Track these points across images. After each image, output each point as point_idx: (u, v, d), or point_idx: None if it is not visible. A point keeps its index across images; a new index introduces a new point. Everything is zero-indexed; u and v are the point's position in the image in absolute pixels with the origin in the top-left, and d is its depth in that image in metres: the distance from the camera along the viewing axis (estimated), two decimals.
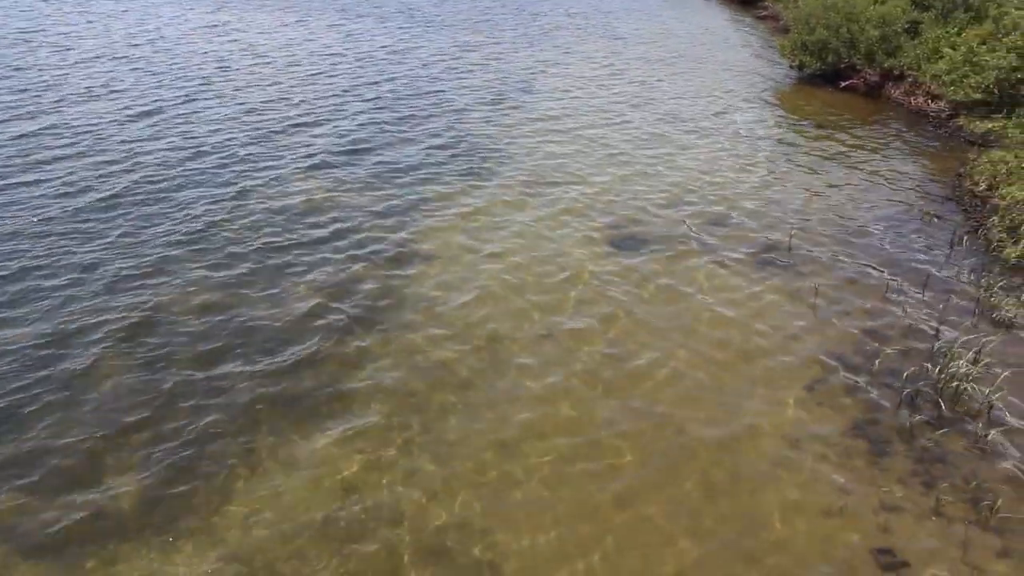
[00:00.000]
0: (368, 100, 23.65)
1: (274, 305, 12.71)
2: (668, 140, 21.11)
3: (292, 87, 24.53)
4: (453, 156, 19.44)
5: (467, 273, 13.98)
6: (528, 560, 8.46)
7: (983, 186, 17.66)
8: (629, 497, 9.28)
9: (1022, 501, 9.16)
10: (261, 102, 22.90)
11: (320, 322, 12.33)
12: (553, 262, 14.43)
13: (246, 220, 15.49)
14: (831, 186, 18.35)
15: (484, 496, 9.26)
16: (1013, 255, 14.48)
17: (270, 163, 18.43)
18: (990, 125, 20.89)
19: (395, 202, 16.69)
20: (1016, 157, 17.88)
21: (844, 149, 20.69)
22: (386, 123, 21.66)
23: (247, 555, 8.41)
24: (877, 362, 11.54)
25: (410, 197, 16.97)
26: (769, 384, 11.27)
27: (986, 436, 10.11)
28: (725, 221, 16.29)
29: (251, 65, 26.87)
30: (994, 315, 12.86)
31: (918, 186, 18.43)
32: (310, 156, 18.92)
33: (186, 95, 23.25)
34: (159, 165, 18.00)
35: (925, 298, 13.49)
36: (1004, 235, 15.25)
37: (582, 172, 18.58)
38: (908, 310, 13.10)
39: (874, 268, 14.50)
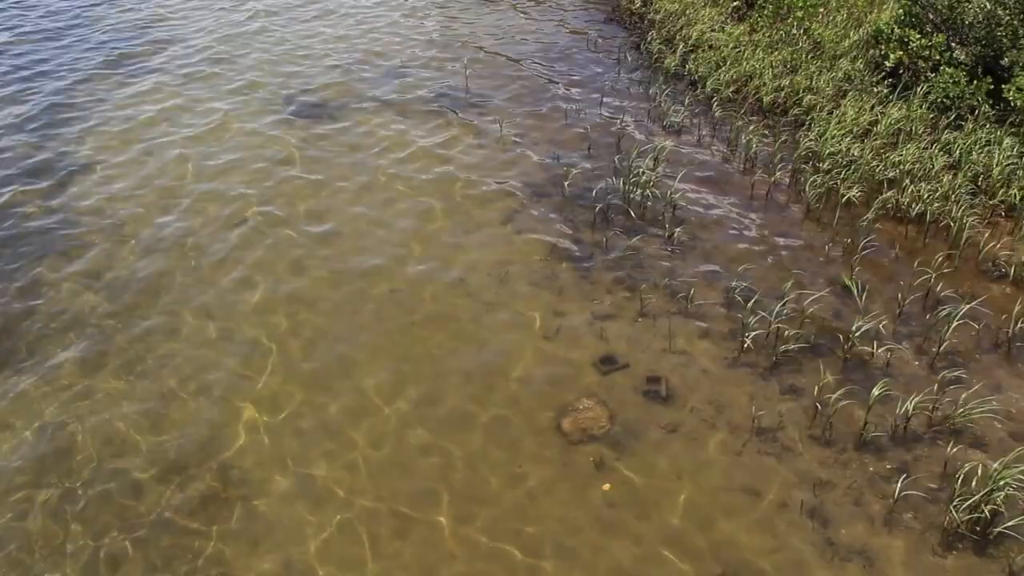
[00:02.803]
0: None
1: None
2: (327, 3, 20.22)
3: None
4: (105, 50, 17.07)
5: (144, 172, 12.72)
6: (252, 456, 8.13)
7: (638, 3, 18.81)
8: (350, 352, 9.17)
9: (710, 288, 10.23)
10: None
11: None
12: (235, 144, 13.52)
13: None
14: (498, 22, 18.60)
15: (201, 409, 8.67)
16: (672, 64, 15.67)
17: None
18: None
19: (44, 109, 14.57)
20: None
21: None
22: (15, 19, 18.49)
23: None
24: (567, 184, 12.12)
25: (63, 101, 14.88)
26: (469, 225, 11.46)
27: (672, 235, 11.07)
28: (400, 73, 16.00)
29: None
30: (664, 122, 13.97)
31: (580, 11, 19.22)
32: None
33: None
34: None
35: (602, 116, 14.31)
36: (662, 47, 16.45)
37: (250, 49, 17.15)
38: (588, 130, 13.83)
39: (551, 96, 15.08)
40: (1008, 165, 11.48)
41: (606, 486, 7.80)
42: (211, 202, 11.96)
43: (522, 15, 19.01)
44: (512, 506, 7.63)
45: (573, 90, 15.31)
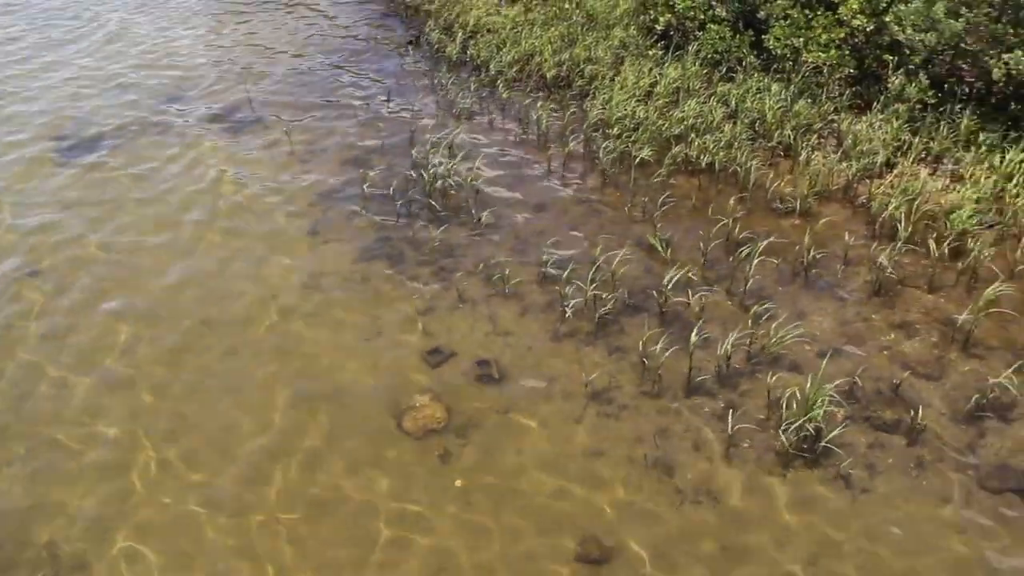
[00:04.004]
0: None
1: None
2: (90, 23, 18.89)
3: None
4: None
5: None
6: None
7: None
8: (166, 388, 8.63)
9: (523, 265, 10.37)
10: None
11: None
12: (13, 189, 12.44)
13: None
14: (272, 31, 18.11)
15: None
16: (454, 52, 15.80)
17: None
18: None
19: None
20: None
21: None
22: None
23: None
24: (366, 185, 11.94)
25: None
26: (273, 240, 11.07)
27: (480, 220, 11.15)
28: (178, 94, 15.24)
29: None
30: (454, 109, 14.06)
31: (354, 10, 19.02)
32: None
33: None
34: None
35: (392, 112, 14.23)
36: (442, 36, 16.55)
37: (23, 81, 15.83)
38: (380, 128, 13.70)
39: (337, 99, 14.82)
40: (779, 109, 12.35)
41: (458, 482, 7.74)
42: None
43: (297, 20, 18.59)
44: (368, 510, 7.44)
45: (359, 90, 15.12)
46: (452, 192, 11.80)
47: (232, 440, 8.23)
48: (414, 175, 12.13)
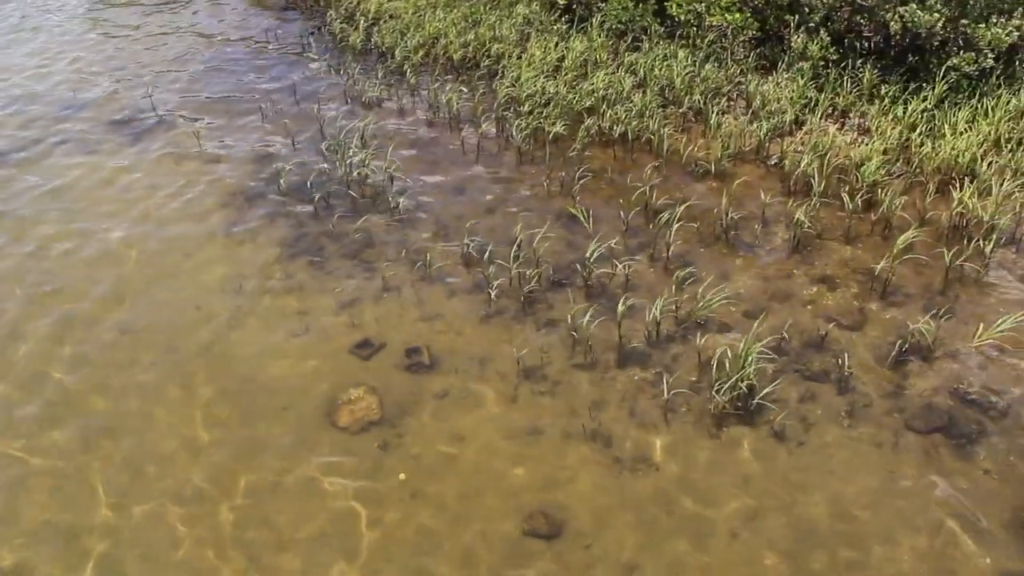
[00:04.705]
0: None
1: None
2: None
3: None
4: None
5: None
6: None
7: None
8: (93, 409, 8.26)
9: (445, 249, 10.24)
10: None
11: None
12: None
13: None
14: (172, 29, 17.48)
15: None
16: (358, 41, 15.49)
17: None
18: None
19: None
20: None
21: None
22: None
23: None
24: (282, 182, 11.61)
25: None
26: (190, 246, 10.66)
27: (397, 207, 10.95)
28: (81, 100, 14.54)
29: None
30: (363, 99, 13.79)
31: (253, 4, 18.50)
32: None
33: None
34: None
35: (300, 106, 13.87)
36: (344, 25, 16.22)
37: None
38: (289, 123, 13.32)
39: (242, 97, 14.38)
40: (687, 75, 12.44)
41: (401, 475, 7.57)
42: None
43: (197, 15, 18.00)
44: (312, 512, 7.24)
45: (265, 85, 14.70)
46: (369, 181, 11.57)
47: (164, 447, 7.91)
48: (328, 168, 11.85)
